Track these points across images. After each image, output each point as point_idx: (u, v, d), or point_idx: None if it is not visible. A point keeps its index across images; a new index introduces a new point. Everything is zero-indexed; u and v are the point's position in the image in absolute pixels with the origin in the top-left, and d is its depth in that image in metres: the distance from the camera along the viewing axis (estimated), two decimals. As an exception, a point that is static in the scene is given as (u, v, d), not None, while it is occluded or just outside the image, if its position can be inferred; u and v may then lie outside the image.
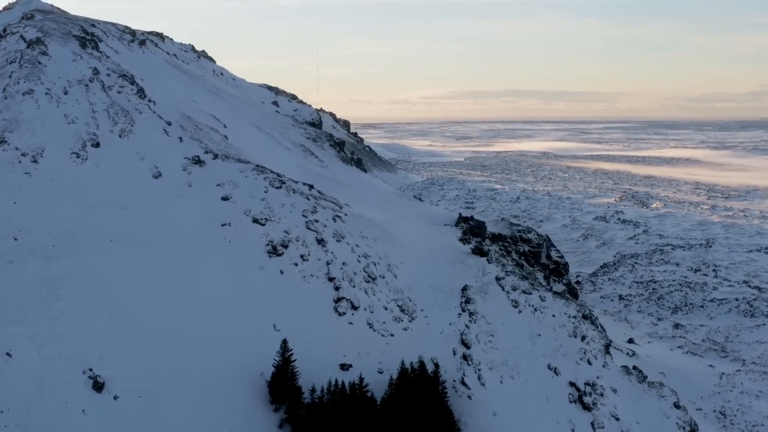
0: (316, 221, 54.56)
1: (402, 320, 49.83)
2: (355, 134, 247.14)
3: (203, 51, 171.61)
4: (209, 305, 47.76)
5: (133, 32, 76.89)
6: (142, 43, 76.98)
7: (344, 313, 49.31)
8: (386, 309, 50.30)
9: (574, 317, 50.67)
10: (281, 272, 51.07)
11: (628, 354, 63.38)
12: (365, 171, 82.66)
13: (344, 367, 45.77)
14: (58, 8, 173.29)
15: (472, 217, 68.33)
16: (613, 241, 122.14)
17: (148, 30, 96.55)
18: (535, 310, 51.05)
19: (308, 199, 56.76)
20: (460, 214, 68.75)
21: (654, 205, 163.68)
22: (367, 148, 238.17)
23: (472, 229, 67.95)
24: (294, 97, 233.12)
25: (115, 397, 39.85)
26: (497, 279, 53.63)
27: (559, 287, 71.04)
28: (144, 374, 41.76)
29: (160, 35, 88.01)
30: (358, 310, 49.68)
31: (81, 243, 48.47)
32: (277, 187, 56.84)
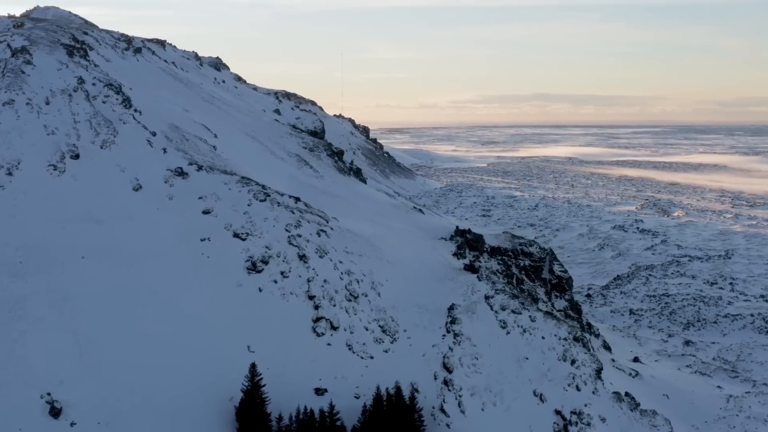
0: (299, 236, 52.50)
1: (383, 341, 47.59)
2: (375, 140, 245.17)
3: (217, 58, 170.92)
4: (181, 325, 45.85)
5: (129, 40, 75.37)
6: (138, 51, 75.43)
7: (323, 334, 47.17)
8: (367, 329, 48.10)
9: (565, 339, 48.11)
10: (260, 290, 49.05)
11: (630, 375, 60.53)
12: (364, 181, 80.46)
13: (319, 391, 43.65)
14: (76, 15, 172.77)
15: (469, 230, 65.89)
16: (629, 251, 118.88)
17: (151, 37, 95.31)
18: (524, 331, 48.59)
19: (293, 213, 54.72)
20: (457, 227, 66.40)
21: (676, 214, 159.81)
22: (385, 155, 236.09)
23: (469, 243, 65.55)
24: (313, 103, 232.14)
25: (72, 424, 38.11)
26: (486, 298, 51.24)
27: (560, 303, 68.41)
28: (105, 399, 39.95)
29: (161, 42, 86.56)
30: (338, 331, 47.51)
31: (51, 259, 46.83)
32: (261, 200, 54.88)
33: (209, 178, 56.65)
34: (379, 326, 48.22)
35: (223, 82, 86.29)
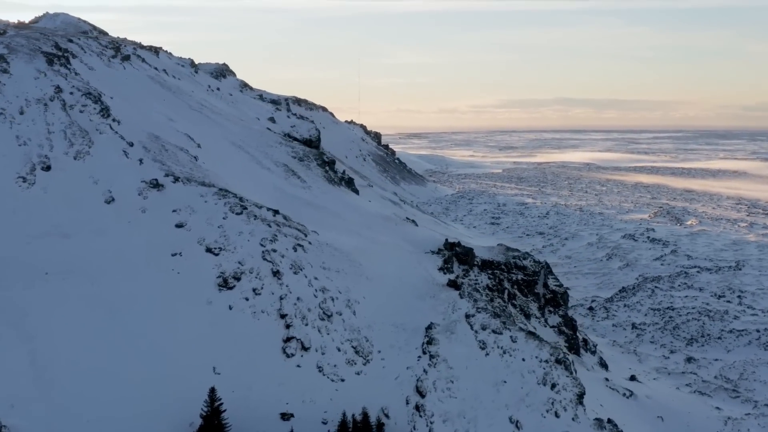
0: (274, 251, 50.57)
1: (355, 363, 45.53)
2: (386, 146, 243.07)
3: (224, 64, 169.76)
4: (145, 345, 44.04)
5: (117, 47, 73.86)
6: (126, 58, 73.94)
7: (293, 355, 45.16)
8: (339, 350, 46.05)
9: (546, 362, 45.80)
10: (230, 308, 47.14)
11: (624, 395, 58.02)
12: (356, 191, 78.47)
13: (285, 416, 41.63)
14: (86, 22, 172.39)
15: (458, 242, 63.71)
16: (637, 262, 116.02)
17: (147, 44, 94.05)
18: (504, 352, 46.36)
19: (269, 226, 52.83)
20: (446, 240, 64.29)
21: (689, 222, 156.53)
22: (396, 161, 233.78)
23: (458, 257, 63.44)
24: (324, 109, 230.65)
25: (19, 451, 36.43)
26: (467, 316, 49.07)
27: (554, 319, 66.03)
28: (58, 424, 38.20)
29: (154, 50, 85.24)
30: (309, 351, 45.49)
31: (12, 275, 45.17)
32: (237, 213, 53.07)
33: (185, 190, 54.91)
34: (352, 347, 46.16)
35: (218, 89, 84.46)
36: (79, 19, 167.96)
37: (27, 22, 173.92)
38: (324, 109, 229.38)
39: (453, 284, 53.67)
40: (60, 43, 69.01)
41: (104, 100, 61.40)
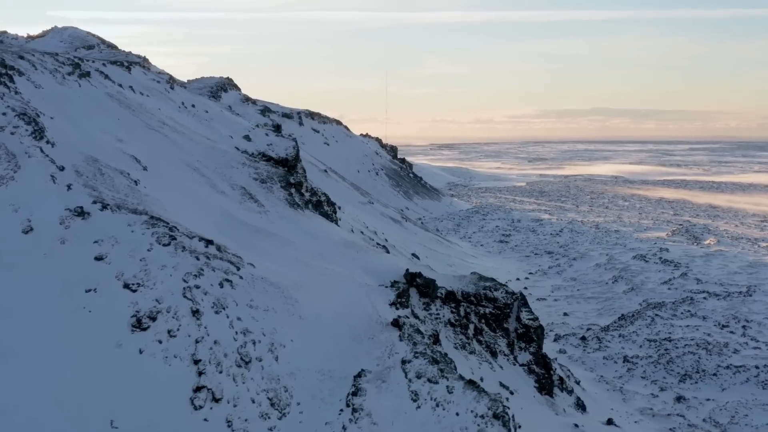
0: (197, 287, 46.29)
1: (269, 417, 41.02)
2: (402, 160, 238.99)
3: (227, 78, 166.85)
4: (37, 395, 40.14)
5: (77, 64, 70.22)
6: (85, 75, 70.35)
7: (201, 407, 40.74)
8: (254, 402, 41.57)
9: (482, 417, 40.87)
10: (140, 351, 42.84)
11: (594, 444, 52.87)
12: (327, 214, 73.98)
13: (182, 477, 37.40)
14: (95, 36, 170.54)
15: (420, 273, 58.99)
16: (643, 285, 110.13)
17: (127, 61, 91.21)
18: (438, 405, 41.51)
19: (197, 259, 48.59)
20: (407, 270, 59.60)
21: (706, 242, 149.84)
22: (411, 175, 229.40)
23: (419, 289, 58.78)
24: (338, 122, 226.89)
25: None
26: (403, 362, 44.37)
27: (524, 356, 60.95)
28: None
29: (127, 65, 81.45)
30: (220, 403, 41.05)
31: None
32: (164, 245, 48.88)
33: (112, 218, 50.84)
34: (268, 398, 41.69)
35: (193, 106, 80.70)
36: (88, 32, 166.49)
37: (34, 35, 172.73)
38: (338, 122, 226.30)
39: (395, 324, 48.96)
40: (7, 60, 65.59)
41: (41, 121, 57.69)
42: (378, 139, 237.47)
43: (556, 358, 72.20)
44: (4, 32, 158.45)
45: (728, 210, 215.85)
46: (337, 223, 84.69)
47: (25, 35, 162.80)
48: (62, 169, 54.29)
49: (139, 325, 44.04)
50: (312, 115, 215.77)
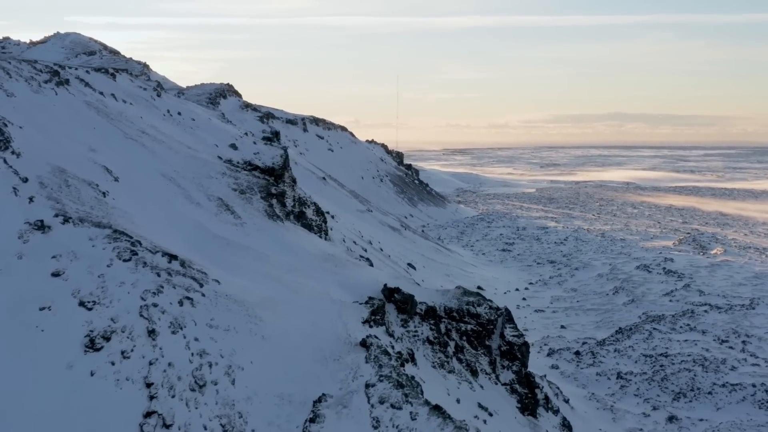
0: (155, 305, 44.36)
1: (221, 445, 39.00)
2: (408, 166, 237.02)
3: (227, 84, 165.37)
4: (-22, 419, 38.47)
5: (56, 72, 68.56)
6: (63, 83, 68.74)
7: (150, 433, 38.83)
8: (206, 428, 39.51)
9: (445, 447, 38.65)
10: (92, 373, 40.93)
11: (575, 469, 50.53)
12: (309, 225, 71.98)
13: None
14: (97, 42, 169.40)
15: (398, 288, 56.89)
16: (644, 297, 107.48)
17: (113, 68, 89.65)
18: (399, 433, 39.32)
19: (158, 275, 46.66)
20: (385, 285, 57.51)
21: (713, 252, 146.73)
22: (417, 181, 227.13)
23: (397, 305, 56.66)
24: (343, 129, 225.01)
25: None
26: (367, 386, 42.25)
27: (507, 375, 58.67)
28: None
29: (111, 72, 79.83)
30: (170, 429, 38.99)
31: None
32: (125, 260, 46.99)
33: (74, 232, 49.01)
34: (221, 425, 39.63)
35: (179, 114, 78.84)
36: (90, 38, 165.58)
37: (37, 41, 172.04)
38: (343, 129, 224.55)
39: (363, 344, 46.86)
40: (-20, 68, 64.09)
41: (7, 131, 56.01)
42: (384, 145, 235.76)
43: (545, 375, 69.85)
44: (7, 38, 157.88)
45: (739, 218, 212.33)
46: (326, 234, 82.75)
47: (28, 41, 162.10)
48: (26, 180, 52.56)
49: (92, 345, 42.14)
50: (317, 121, 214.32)
